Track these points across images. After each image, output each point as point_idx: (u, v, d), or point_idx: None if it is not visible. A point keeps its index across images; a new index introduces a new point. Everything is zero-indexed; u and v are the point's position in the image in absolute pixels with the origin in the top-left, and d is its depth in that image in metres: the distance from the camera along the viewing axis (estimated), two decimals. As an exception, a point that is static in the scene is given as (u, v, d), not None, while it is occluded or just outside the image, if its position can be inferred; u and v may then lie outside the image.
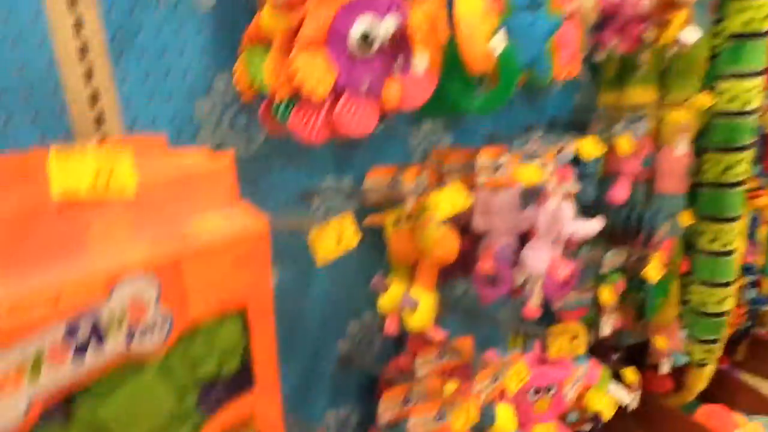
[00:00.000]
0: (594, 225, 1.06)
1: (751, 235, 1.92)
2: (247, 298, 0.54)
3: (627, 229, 1.54)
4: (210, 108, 0.86)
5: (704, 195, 1.47)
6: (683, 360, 1.64)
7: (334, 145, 1.06)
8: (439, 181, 1.14)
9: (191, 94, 0.84)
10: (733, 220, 1.46)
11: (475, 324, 1.36)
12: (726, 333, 1.61)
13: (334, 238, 0.63)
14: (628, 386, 1.47)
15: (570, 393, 1.21)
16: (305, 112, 0.75)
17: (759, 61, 1.33)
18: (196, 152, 0.58)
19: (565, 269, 1.02)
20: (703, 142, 1.47)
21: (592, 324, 1.53)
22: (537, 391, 1.19)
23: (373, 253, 1.13)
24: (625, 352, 1.76)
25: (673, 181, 1.53)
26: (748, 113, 1.37)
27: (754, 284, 2.01)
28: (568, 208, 1.04)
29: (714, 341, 1.58)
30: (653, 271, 1.34)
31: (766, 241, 2.10)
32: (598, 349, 1.74)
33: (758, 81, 1.35)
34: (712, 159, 1.43)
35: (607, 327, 1.28)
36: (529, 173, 0.88)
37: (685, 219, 1.44)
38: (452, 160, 1.18)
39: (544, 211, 1.01)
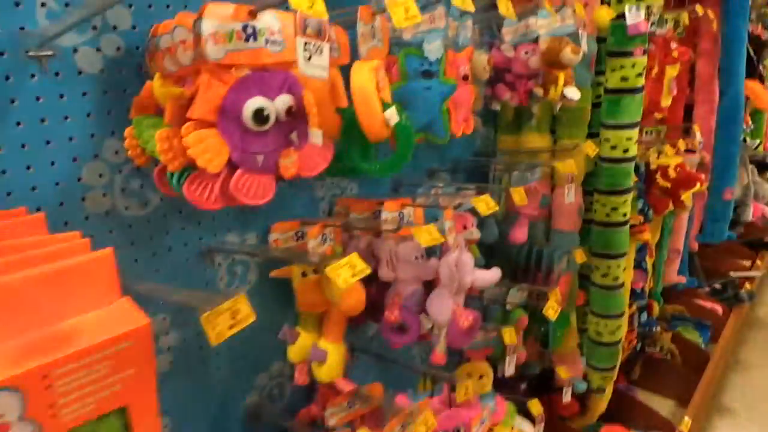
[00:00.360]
0: (493, 274, 1.11)
1: (639, 265, 2.09)
2: (129, 397, 0.52)
3: (528, 266, 1.63)
4: (99, 172, 0.83)
5: (595, 233, 1.59)
6: (582, 387, 1.75)
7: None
8: (345, 232, 1.16)
9: (78, 158, 0.81)
10: (620, 256, 1.58)
11: (387, 367, 1.39)
12: (620, 359, 1.73)
13: (228, 318, 0.62)
14: (533, 418, 1.55)
15: (477, 432, 1.25)
16: (199, 183, 0.75)
17: (635, 114, 1.47)
18: (74, 241, 0.56)
19: (467, 319, 1.06)
20: (592, 184, 1.59)
21: (499, 359, 1.59)
22: (446, 435, 1.23)
23: (282, 304, 1.12)
24: (534, 379, 1.85)
25: (566, 220, 1.64)
26: (628, 160, 1.50)
27: (644, 308, 2.18)
28: (468, 259, 1.08)
29: (610, 369, 1.70)
30: (551, 310, 1.43)
31: (653, 269, 2.29)
32: (506, 381, 1.81)
33: (635, 131, 1.49)
34: (599, 200, 1.55)
35: (511, 367, 1.34)
36: (426, 235, 0.92)
37: (579, 256, 1.55)
38: (357, 210, 1.21)
39: (445, 263, 1.05)
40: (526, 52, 1.30)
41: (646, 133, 2.37)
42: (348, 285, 0.76)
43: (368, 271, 0.80)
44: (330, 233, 1.09)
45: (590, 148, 1.45)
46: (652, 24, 1.50)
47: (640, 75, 1.43)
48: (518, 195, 1.17)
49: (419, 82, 0.96)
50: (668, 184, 2.05)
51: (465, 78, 1.08)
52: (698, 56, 2.46)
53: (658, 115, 2.13)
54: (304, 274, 1.08)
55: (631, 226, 1.79)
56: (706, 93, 2.50)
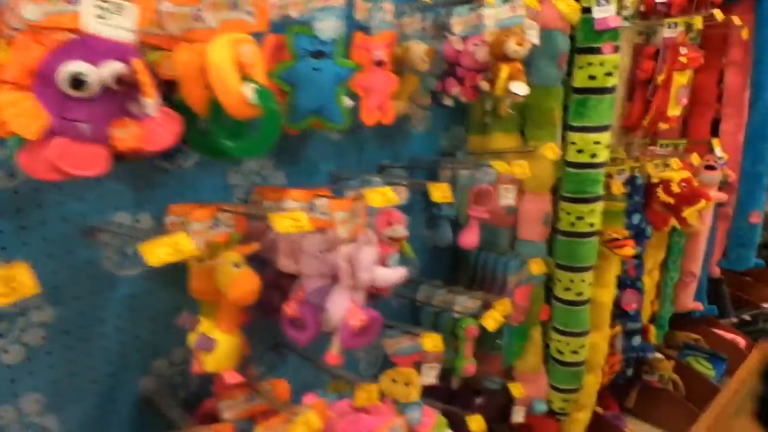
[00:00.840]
0: (396, 274, 1.04)
1: (632, 284, 1.93)
2: None
3: (485, 274, 1.53)
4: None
5: (558, 243, 1.47)
6: (541, 407, 1.62)
7: (134, 180, 1.03)
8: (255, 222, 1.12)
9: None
10: (584, 269, 1.45)
11: (305, 365, 1.34)
12: (582, 383, 1.59)
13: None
14: (475, 434, 1.45)
15: (385, 444, 1.17)
16: (32, 151, 0.72)
17: (604, 116, 1.34)
18: None
19: (360, 319, 0.99)
20: (560, 192, 1.47)
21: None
22: (350, 441, 1.16)
23: (184, 288, 1.09)
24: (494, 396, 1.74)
25: (529, 228, 1.53)
26: (596, 166, 1.37)
27: (638, 332, 2.00)
28: (368, 255, 1.01)
29: (571, 391, 1.56)
30: (490, 320, 1.33)
31: (650, 290, 2.11)
32: (463, 393, 1.71)
33: (604, 135, 1.36)
34: (564, 208, 1.43)
35: (430, 376, 1.25)
36: (286, 222, 0.86)
37: (536, 267, 1.43)
38: (274, 200, 1.16)
39: (336, 257, 0.98)
40: (475, 44, 1.22)
41: (662, 146, 2.20)
42: (159, 263, 0.71)
43: (196, 253, 0.75)
44: (228, 219, 1.05)
45: (550, 151, 1.33)
46: (625, 19, 1.37)
47: (609, 74, 1.31)
48: (438, 191, 1.09)
49: (308, 63, 0.90)
50: (670, 200, 1.88)
51: (379, 63, 1.01)
52: (727, 66, 2.25)
53: (663, 126, 1.96)
54: (200, 260, 1.05)
55: (611, 240, 1.65)
56: (735, 106, 2.29)
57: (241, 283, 1.02)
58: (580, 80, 1.31)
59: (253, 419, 1.17)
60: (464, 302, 1.45)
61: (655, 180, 1.90)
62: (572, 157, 1.37)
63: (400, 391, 1.28)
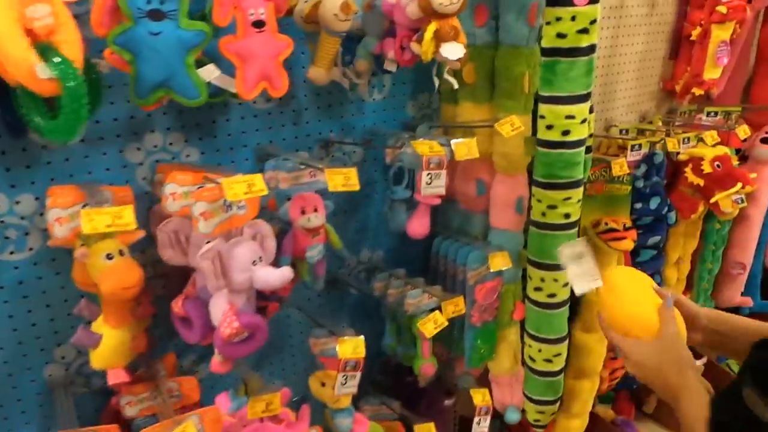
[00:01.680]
0: (280, 274, 0.90)
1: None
2: None
3: (447, 266, 1.34)
4: None
5: (530, 235, 1.25)
6: (513, 417, 1.43)
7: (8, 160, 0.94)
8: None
9: None
10: (556, 268, 1.23)
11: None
12: (558, 396, 1.38)
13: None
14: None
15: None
16: None
17: (577, 84, 1.09)
18: None
19: (230, 326, 0.87)
20: (533, 175, 1.24)
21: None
22: (253, 447, 1.05)
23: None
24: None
25: (501, 215, 1.32)
26: (569, 145, 1.13)
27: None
28: (243, 252, 0.88)
29: (546, 402, 1.36)
30: (430, 323, 1.16)
31: (677, 283, 1.82)
32: (431, 393, 1.56)
33: (579, 108, 1.11)
34: (536, 195, 1.20)
35: (346, 387, 1.10)
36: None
37: (498, 261, 1.23)
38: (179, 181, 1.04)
39: (197, 256, 0.86)
40: (410, -2, 1.01)
41: (709, 114, 1.85)
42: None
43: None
44: (109, 202, 0.95)
45: (506, 126, 1.11)
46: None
47: (584, 32, 1.05)
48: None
49: (145, 26, 0.76)
50: (700, 181, 1.58)
51: (257, 24, 0.85)
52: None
53: (697, 91, 1.64)
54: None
55: (607, 231, 1.40)
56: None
57: (111, 276, 0.92)
58: (547, 39, 1.06)
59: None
60: (416, 298, 1.28)
61: (683, 157, 1.60)
62: (542, 134, 1.14)
63: (330, 395, 1.16)
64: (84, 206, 0.90)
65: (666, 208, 1.60)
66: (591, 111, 1.28)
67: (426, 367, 1.34)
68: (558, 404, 1.39)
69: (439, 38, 0.96)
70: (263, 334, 0.93)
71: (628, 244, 1.39)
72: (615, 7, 1.69)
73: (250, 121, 1.16)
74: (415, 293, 1.28)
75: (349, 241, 1.43)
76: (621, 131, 1.77)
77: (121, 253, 0.94)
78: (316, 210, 1.05)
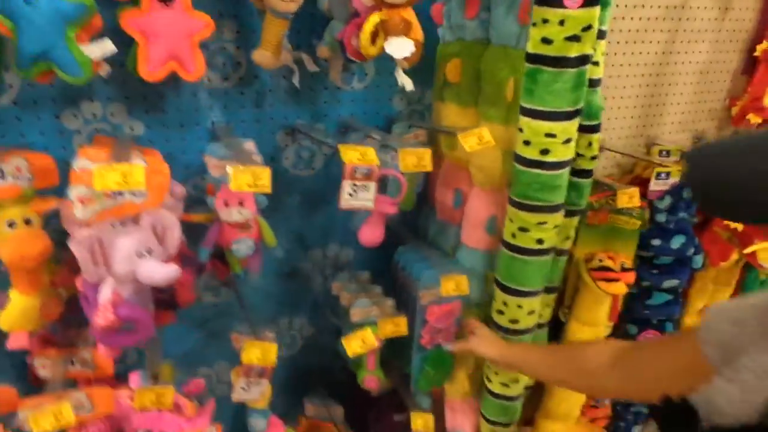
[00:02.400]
0: (165, 270, 0.83)
1: (660, 324, 1.45)
2: None
3: (405, 279, 1.22)
4: None
5: (500, 253, 1.10)
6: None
7: None
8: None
9: None
10: (520, 294, 1.08)
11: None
12: (513, 419, 1.24)
13: None
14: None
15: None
16: None
17: (562, 99, 0.91)
18: None
19: (102, 316, 0.82)
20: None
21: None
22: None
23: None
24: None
25: (471, 232, 1.17)
26: (547, 166, 0.96)
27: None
28: (124, 244, 0.82)
29: (501, 424, 1.23)
30: (354, 342, 1.05)
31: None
32: (382, 405, 1.47)
33: (563, 126, 0.93)
34: (509, 214, 1.05)
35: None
36: None
37: (448, 286, 1.09)
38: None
39: (71, 242, 0.80)
40: (368, -20, 0.88)
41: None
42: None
43: None
44: (18, 170, 0.92)
45: (471, 138, 0.95)
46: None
47: (574, 39, 0.87)
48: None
49: (20, -6, 0.69)
50: (738, 225, 1.33)
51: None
52: None
53: (753, 118, 1.37)
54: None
55: (600, 269, 1.22)
56: None
57: (10, 245, 0.90)
58: (532, 43, 0.89)
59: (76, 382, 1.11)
60: (364, 308, 1.18)
61: (723, 194, 1.35)
62: (519, 149, 0.97)
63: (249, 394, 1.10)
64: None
65: (692, 250, 1.37)
66: (596, 130, 1.10)
67: (369, 379, 1.25)
68: (511, 428, 1.26)
69: (386, 31, 0.83)
70: (146, 328, 0.88)
71: (620, 288, 1.19)
72: (675, 8, 1.43)
73: (204, 99, 1.09)
74: (363, 303, 1.19)
75: (318, 234, 1.35)
76: (661, 153, 1.53)
77: (26, 222, 0.92)
78: (241, 204, 0.97)
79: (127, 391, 1.04)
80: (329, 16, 1.03)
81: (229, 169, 0.82)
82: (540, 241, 1.04)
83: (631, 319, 1.47)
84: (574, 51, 0.88)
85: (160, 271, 0.83)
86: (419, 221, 1.37)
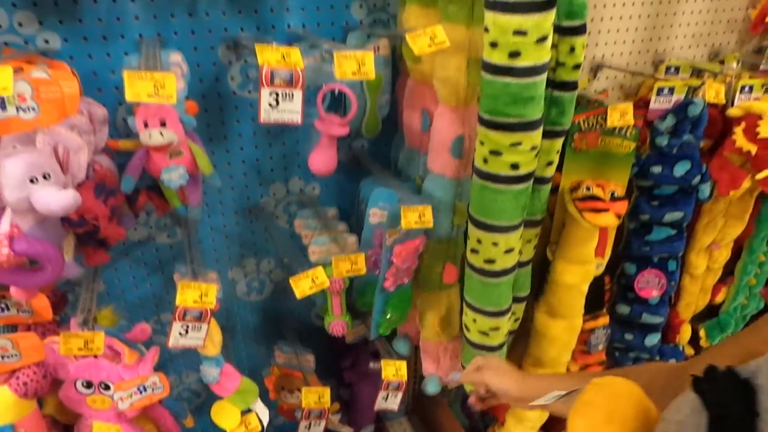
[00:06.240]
0: (61, 197, 0.72)
1: (662, 263, 1.31)
2: None
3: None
4: None
5: (472, 184, 0.96)
6: (432, 388, 1.22)
7: None
8: None
9: None
10: (496, 230, 0.95)
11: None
12: None
13: None
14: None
15: (126, 400, 0.93)
16: None
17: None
18: None
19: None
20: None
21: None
22: (88, 385, 0.94)
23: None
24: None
25: (435, 155, 1.03)
26: (519, 72, 0.81)
27: (656, 328, 1.40)
28: (12, 169, 0.70)
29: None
30: (303, 282, 0.94)
31: (705, 274, 1.45)
32: (356, 352, 1.38)
33: (533, 20, 0.77)
34: (479, 135, 0.90)
35: (188, 339, 0.93)
36: None
37: (409, 218, 0.96)
38: None
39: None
40: None
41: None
42: None
43: None
44: None
45: (422, 39, 0.80)
46: None
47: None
48: (343, 64, 0.67)
49: None
50: (752, 147, 1.17)
51: None
52: None
53: None
54: None
55: (586, 198, 1.08)
56: None
57: None
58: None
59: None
60: (322, 245, 1.07)
61: (736, 112, 1.18)
62: (486, 53, 0.82)
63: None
64: None
65: (698, 178, 1.21)
66: (580, 32, 0.93)
67: (335, 325, 1.15)
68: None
69: None
70: (56, 265, 0.78)
71: (609, 219, 1.05)
72: None
73: (127, 7, 0.95)
74: (321, 240, 1.07)
75: (278, 165, 1.22)
76: (669, 69, 1.35)
77: None
78: (163, 125, 0.85)
79: (59, 337, 0.96)
80: None
81: (125, 75, 0.69)
82: (515, 166, 0.90)
83: (629, 257, 1.33)
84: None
85: (55, 198, 0.72)
86: (390, 151, 1.24)
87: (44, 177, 0.73)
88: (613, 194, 1.07)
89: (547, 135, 0.96)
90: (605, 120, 1.06)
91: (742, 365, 0.45)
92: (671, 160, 1.19)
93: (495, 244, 0.97)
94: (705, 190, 1.24)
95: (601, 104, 1.06)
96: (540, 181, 1.02)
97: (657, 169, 1.20)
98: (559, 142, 1.00)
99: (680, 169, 1.19)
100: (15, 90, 0.70)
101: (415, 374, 1.60)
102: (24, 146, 0.77)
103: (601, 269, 1.23)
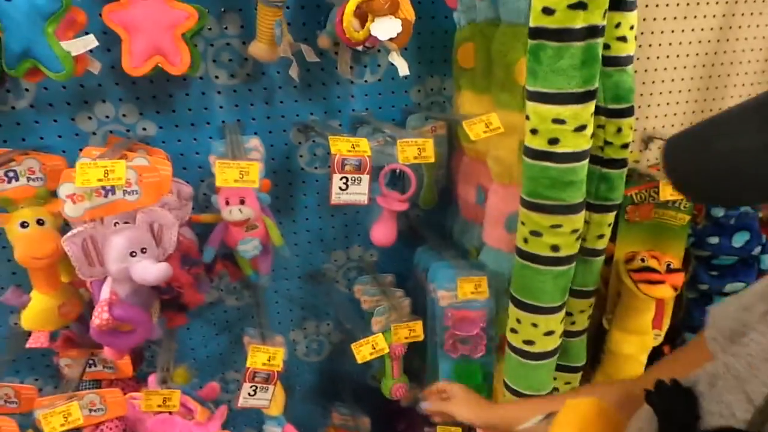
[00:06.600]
0: (156, 270, 0.81)
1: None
2: None
3: (424, 283, 1.15)
4: None
5: (514, 265, 1.00)
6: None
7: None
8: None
9: None
10: (536, 310, 0.97)
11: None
12: None
13: None
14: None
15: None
16: None
17: (569, 78, 0.81)
18: None
19: (99, 316, 0.81)
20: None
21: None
22: (161, 440, 1.01)
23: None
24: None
25: (492, 231, 1.09)
26: (557, 158, 0.86)
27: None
28: (120, 242, 0.81)
29: None
30: (365, 348, 0.99)
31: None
32: (411, 417, 1.39)
33: (571, 110, 0.83)
34: (521, 216, 0.95)
35: (256, 399, 0.98)
36: None
37: (466, 289, 1.01)
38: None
39: (63, 240, 0.80)
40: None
41: None
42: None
43: None
44: (32, 171, 0.94)
45: (478, 126, 0.87)
46: None
47: (578, 6, 0.77)
48: (406, 150, 0.76)
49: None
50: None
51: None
52: None
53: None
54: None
55: (645, 270, 1.09)
56: None
57: (21, 244, 0.93)
58: (534, 16, 0.80)
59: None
60: (382, 315, 1.12)
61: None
62: (527, 139, 0.88)
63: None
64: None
65: (759, 248, 1.20)
66: (627, 114, 0.98)
67: (396, 388, 1.19)
68: None
69: (372, 12, 0.78)
70: (145, 328, 0.87)
71: (665, 291, 1.06)
72: (733, -26, 1.28)
73: (212, 97, 1.08)
74: (382, 309, 1.13)
75: (339, 234, 1.30)
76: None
77: (39, 222, 0.94)
78: (242, 203, 0.95)
79: (140, 394, 1.04)
80: (331, 3, 0.99)
81: (216, 164, 0.79)
82: (555, 248, 0.93)
83: (690, 327, 1.31)
84: (579, 21, 0.78)
85: (151, 270, 0.81)
86: (445, 221, 1.30)
87: (142, 251, 0.83)
88: (669, 266, 1.08)
89: (597, 209, 0.99)
90: (657, 193, 1.08)
91: (684, 378, 0.53)
92: (729, 230, 1.19)
93: (534, 325, 0.99)
94: (766, 260, 1.22)
95: (653, 178, 1.09)
96: (592, 253, 1.04)
97: (714, 240, 1.20)
98: (610, 217, 1.03)
99: (739, 239, 1.19)
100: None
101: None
102: (123, 223, 0.88)
103: (660, 339, 1.22)
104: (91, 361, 1.10)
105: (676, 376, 0.55)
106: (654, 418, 0.52)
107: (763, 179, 0.44)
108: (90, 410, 0.98)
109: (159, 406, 0.95)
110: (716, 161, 0.47)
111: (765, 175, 0.44)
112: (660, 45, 1.27)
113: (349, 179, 0.82)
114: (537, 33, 0.81)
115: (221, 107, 1.10)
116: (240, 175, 0.80)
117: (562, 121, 0.84)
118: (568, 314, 1.05)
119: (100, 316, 0.82)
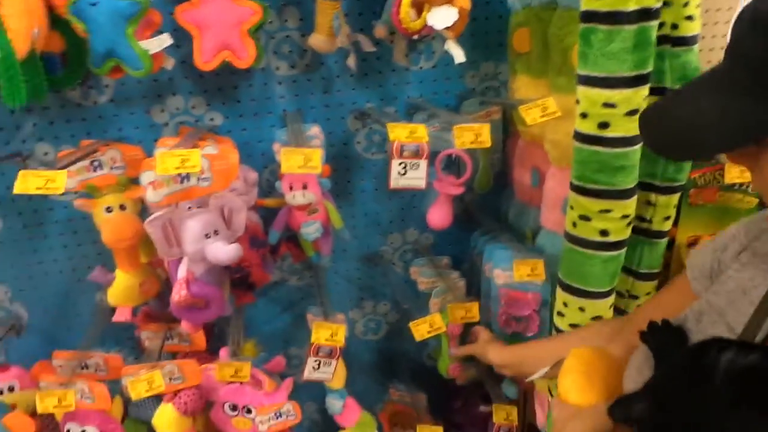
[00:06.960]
0: (228, 251, 0.88)
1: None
2: None
3: (480, 262, 1.17)
4: None
5: (563, 248, 1.00)
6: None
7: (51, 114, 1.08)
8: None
9: None
10: (581, 294, 0.96)
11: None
12: None
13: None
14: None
15: (265, 423, 1.06)
16: None
17: (621, 62, 0.80)
18: None
19: (178, 293, 0.89)
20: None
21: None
22: (233, 408, 1.09)
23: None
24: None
25: (549, 214, 1.09)
26: (608, 142, 0.85)
27: None
28: (195, 225, 0.88)
29: None
30: (422, 327, 1.03)
31: None
32: (467, 395, 1.42)
33: (622, 94, 0.82)
34: (570, 200, 0.94)
35: (310, 372, 1.03)
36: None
37: (521, 270, 1.02)
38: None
39: (148, 224, 0.88)
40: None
41: None
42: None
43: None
44: (113, 161, 1.03)
45: (534, 111, 0.88)
46: None
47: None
48: (463, 135, 0.82)
49: (88, -4, 0.77)
50: None
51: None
52: None
53: None
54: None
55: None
56: None
57: (107, 228, 1.02)
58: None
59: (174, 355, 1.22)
60: (440, 296, 1.15)
61: None
62: (577, 123, 0.87)
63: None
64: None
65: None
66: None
67: (453, 368, 1.23)
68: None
69: (428, 1, 0.80)
70: (219, 305, 0.94)
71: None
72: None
73: (274, 88, 1.14)
74: (439, 290, 1.16)
75: (396, 218, 1.34)
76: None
77: (122, 207, 1.03)
78: (305, 188, 1.00)
79: (214, 365, 1.13)
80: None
81: (281, 151, 0.84)
82: (604, 233, 0.92)
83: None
84: (631, 3, 0.77)
85: (223, 250, 0.88)
86: (500, 204, 1.31)
87: (215, 233, 0.90)
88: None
89: (664, 191, 0.98)
90: (722, 175, 1.05)
91: (674, 318, 0.62)
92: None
93: (581, 309, 0.98)
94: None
95: (718, 160, 1.06)
96: (657, 235, 1.03)
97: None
98: (676, 198, 1.01)
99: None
100: (198, 165, 0.88)
101: (524, 421, 1.60)
102: (197, 208, 0.95)
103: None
104: (168, 335, 1.19)
105: (661, 315, 0.64)
106: (650, 355, 0.60)
107: (716, 133, 0.53)
108: (170, 379, 1.07)
109: (231, 376, 1.03)
110: (677, 123, 0.56)
111: (718, 130, 0.53)
112: (726, 23, 1.22)
113: (408, 164, 0.86)
114: (588, 16, 0.81)
115: (282, 97, 1.15)
116: (304, 161, 0.84)
117: (612, 105, 0.83)
118: (634, 297, 1.05)
119: (179, 293, 0.90)
